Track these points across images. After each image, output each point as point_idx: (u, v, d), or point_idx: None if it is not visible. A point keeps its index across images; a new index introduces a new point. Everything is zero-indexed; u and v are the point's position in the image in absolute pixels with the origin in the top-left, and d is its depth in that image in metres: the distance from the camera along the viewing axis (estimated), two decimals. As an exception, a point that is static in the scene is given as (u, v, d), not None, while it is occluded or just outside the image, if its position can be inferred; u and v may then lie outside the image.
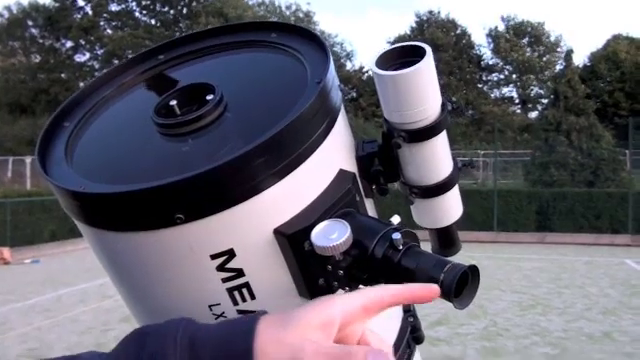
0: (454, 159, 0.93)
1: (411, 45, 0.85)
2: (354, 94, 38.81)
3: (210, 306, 0.79)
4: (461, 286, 0.72)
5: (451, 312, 8.91)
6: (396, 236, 0.73)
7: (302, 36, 0.90)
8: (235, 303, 0.78)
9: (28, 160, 20.27)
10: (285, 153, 0.74)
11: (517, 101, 42.85)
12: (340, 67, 39.80)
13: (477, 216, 18.58)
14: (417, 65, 0.82)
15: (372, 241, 0.74)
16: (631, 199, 18.22)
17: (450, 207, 0.97)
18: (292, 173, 0.75)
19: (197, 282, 0.77)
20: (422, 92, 0.84)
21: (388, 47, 0.86)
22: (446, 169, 0.92)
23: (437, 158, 0.89)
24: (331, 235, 0.72)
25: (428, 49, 0.84)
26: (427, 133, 0.85)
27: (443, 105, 0.87)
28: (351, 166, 0.85)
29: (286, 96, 0.82)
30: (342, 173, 0.81)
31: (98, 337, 7.92)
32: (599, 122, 21.56)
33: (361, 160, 0.88)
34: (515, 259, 14.77)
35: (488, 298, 10.02)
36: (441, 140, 0.88)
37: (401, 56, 0.86)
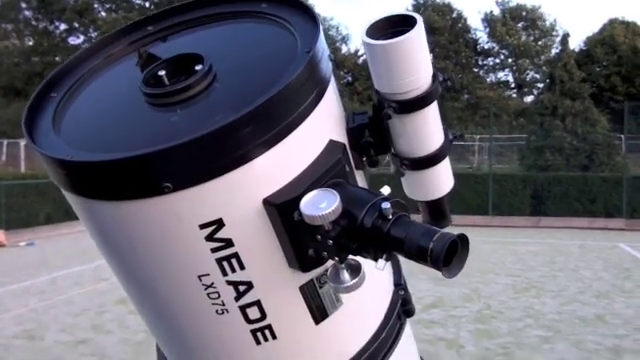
0: (445, 131, 0.93)
1: (402, 15, 0.85)
2: (349, 78, 38.67)
3: (199, 276, 0.78)
4: (450, 255, 0.72)
5: (445, 295, 8.95)
6: (385, 206, 0.73)
7: (292, 7, 0.89)
8: (224, 274, 0.78)
9: (22, 143, 20.16)
10: (274, 122, 0.73)
11: (513, 85, 42.80)
12: (335, 51, 39.59)
13: (472, 200, 18.59)
14: (407, 34, 0.81)
15: (361, 211, 0.74)
16: (625, 183, 18.27)
17: (441, 179, 0.96)
18: (281, 142, 0.75)
19: (186, 252, 0.77)
20: (413, 62, 0.83)
21: (379, 16, 0.85)
22: (437, 141, 0.91)
23: (428, 129, 0.89)
24: (320, 204, 0.72)
25: (419, 19, 0.83)
26: (418, 104, 0.85)
27: (434, 76, 0.86)
28: (341, 137, 0.85)
29: (276, 66, 0.81)
30: (332, 144, 0.81)
31: (93, 319, 7.92)
32: (595, 106, 21.55)
33: (351, 132, 0.87)
34: (510, 243, 14.81)
35: (482, 281, 10.06)
36: (432, 111, 0.87)
37: (392, 26, 0.85)
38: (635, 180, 18.63)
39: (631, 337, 6.93)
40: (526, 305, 8.45)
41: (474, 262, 12.08)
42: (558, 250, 13.66)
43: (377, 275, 0.94)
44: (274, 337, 0.84)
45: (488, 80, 41.93)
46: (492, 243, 14.67)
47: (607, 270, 11.13)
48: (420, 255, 0.71)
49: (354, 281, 0.76)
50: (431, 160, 0.90)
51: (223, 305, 0.80)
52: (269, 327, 0.83)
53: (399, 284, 1.00)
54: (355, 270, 0.77)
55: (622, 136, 20.51)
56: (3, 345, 6.86)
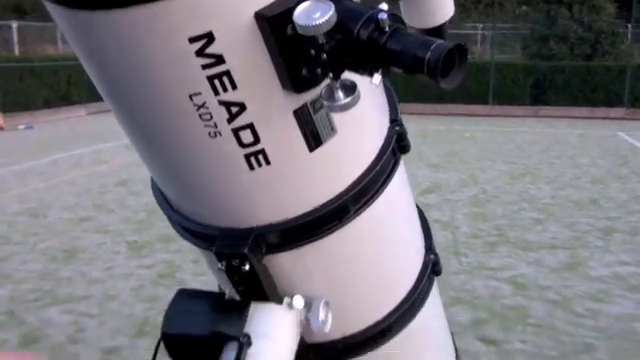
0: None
1: None
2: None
3: (191, 96, 0.77)
4: (448, 67, 0.70)
5: (442, 181, 9.06)
6: (382, 17, 0.70)
7: None
8: (216, 93, 0.76)
9: (15, 25, 19.65)
10: None
11: (520, -29, 41.33)
12: None
13: (473, 89, 18.43)
14: None
15: (357, 23, 0.71)
16: (629, 72, 18.05)
17: (442, 3, 0.93)
18: None
19: (176, 68, 0.75)
20: None
21: None
22: None
23: None
24: (314, 14, 0.69)
25: None
26: None
27: None
28: None
29: None
30: None
31: (95, 198, 8.06)
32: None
33: None
34: (508, 132, 14.83)
35: (480, 168, 10.16)
36: None
37: None
38: (639, 69, 18.39)
39: (623, 219, 7.08)
40: (521, 190, 8.58)
41: (472, 150, 12.14)
42: (556, 139, 13.71)
43: (372, 106, 0.92)
44: (267, 162, 0.83)
45: (495, -35, 40.44)
46: (491, 132, 14.70)
47: (604, 158, 11.21)
48: (416, 66, 0.69)
49: (349, 99, 0.74)
50: None
51: (216, 127, 0.79)
52: (262, 152, 0.82)
53: (395, 120, 0.98)
54: (350, 89, 0.75)
55: (629, 25, 20.05)
56: (7, 222, 7.01)
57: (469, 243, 6.21)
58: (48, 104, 17.59)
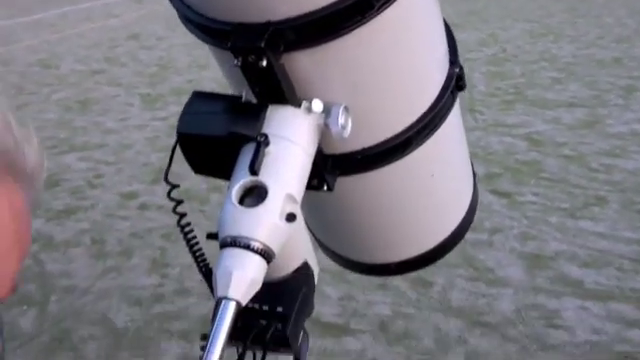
0: None
1: None
2: None
3: None
4: None
5: (461, 40, 8.66)
6: None
7: None
8: None
9: None
10: None
11: None
12: None
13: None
14: None
15: None
16: None
17: None
18: None
19: None
20: None
21: None
22: None
23: None
24: None
25: None
26: None
27: None
28: None
29: None
30: None
31: (106, 52, 7.95)
32: None
33: None
34: (532, -10, 14.21)
35: (500, 27, 9.85)
36: None
37: None
38: None
39: (646, 78, 6.92)
40: (542, 49, 8.34)
41: (493, 8, 11.69)
42: (582, -3, 13.15)
43: None
44: None
45: None
46: (514, -10, 14.11)
47: (632, 16, 10.77)
48: None
49: None
50: None
51: None
52: None
53: None
54: None
55: None
56: (20, 72, 6.98)
57: (486, 101, 6.13)
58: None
